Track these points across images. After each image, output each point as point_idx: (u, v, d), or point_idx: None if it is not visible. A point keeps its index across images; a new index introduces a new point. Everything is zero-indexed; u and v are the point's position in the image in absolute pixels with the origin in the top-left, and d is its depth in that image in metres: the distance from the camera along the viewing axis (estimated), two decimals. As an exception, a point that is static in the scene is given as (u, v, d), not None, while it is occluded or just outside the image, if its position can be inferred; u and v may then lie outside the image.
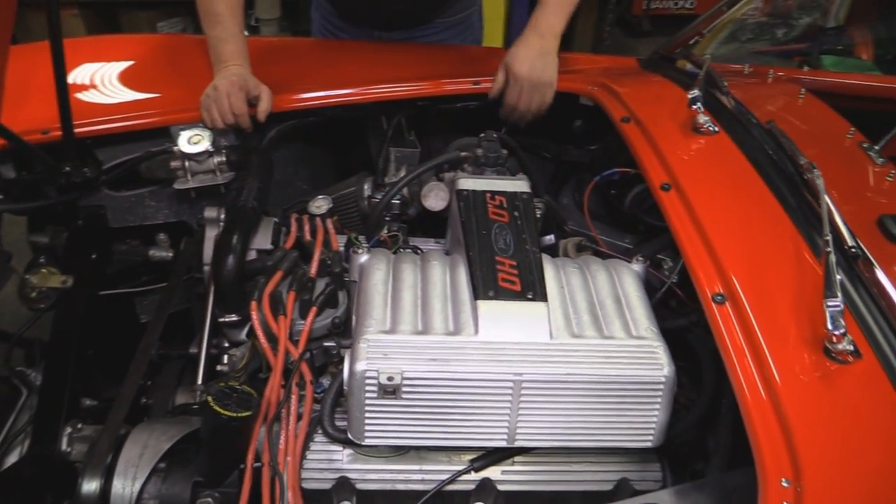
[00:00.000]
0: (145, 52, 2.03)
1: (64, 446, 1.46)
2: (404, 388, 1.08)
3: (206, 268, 1.57)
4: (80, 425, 1.49)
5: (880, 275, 1.09)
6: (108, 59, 1.98)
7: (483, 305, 1.16)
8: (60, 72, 1.57)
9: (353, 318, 1.21)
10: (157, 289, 1.90)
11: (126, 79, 1.89)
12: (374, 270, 1.25)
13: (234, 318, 1.44)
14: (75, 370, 1.57)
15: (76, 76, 1.90)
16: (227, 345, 1.52)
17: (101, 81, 1.89)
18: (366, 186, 1.76)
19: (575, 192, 1.97)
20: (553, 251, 1.53)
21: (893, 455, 0.91)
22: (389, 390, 1.07)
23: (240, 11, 1.79)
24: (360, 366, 1.08)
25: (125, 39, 2.23)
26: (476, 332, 1.14)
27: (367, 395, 1.08)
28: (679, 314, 1.37)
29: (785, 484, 0.86)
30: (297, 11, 4.37)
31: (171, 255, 1.82)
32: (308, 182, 2.12)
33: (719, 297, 1.08)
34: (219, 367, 1.48)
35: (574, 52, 2.23)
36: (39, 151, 1.62)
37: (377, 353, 1.09)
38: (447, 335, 1.13)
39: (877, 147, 1.38)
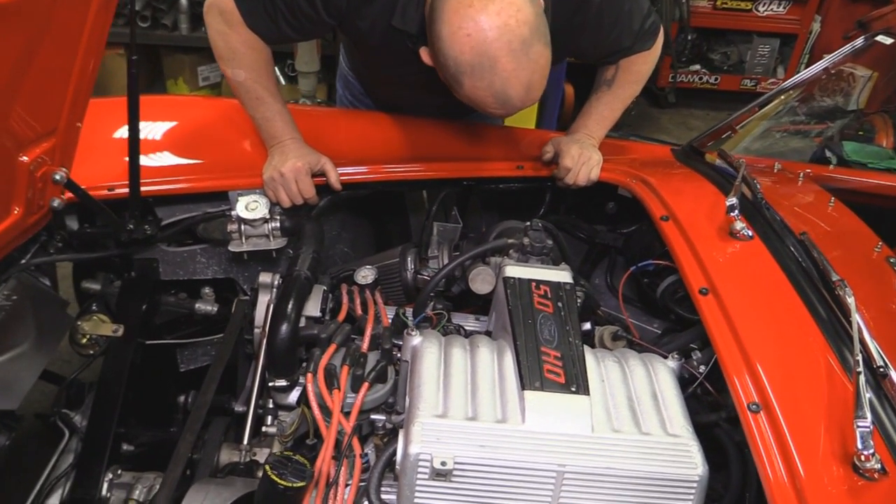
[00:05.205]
0: (204, 114, 2.12)
1: (104, 492, 1.54)
2: (454, 473, 1.15)
3: (257, 331, 1.65)
4: (119, 471, 1.56)
5: (906, 394, 1.16)
6: (167, 120, 2.07)
7: (530, 396, 1.23)
8: (134, 134, 1.67)
9: (406, 398, 1.28)
10: (199, 341, 1.99)
11: (185, 142, 1.98)
12: (427, 353, 1.33)
13: (283, 383, 1.52)
14: (119, 417, 1.65)
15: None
16: (271, 406, 1.59)
17: (162, 142, 1.99)
18: (409, 259, 1.85)
19: (607, 273, 2.06)
20: (589, 338, 1.61)
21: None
22: (441, 474, 1.14)
23: (277, 89, 1.84)
24: (415, 448, 1.15)
25: (184, 101, 2.34)
26: (523, 421, 1.21)
27: (419, 476, 1.15)
28: (710, 410, 1.43)
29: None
30: (335, 65, 4.52)
31: (215, 309, 1.90)
32: (349, 246, 2.22)
33: (754, 406, 1.15)
34: (264, 429, 1.55)
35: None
36: (107, 209, 1.72)
37: (431, 437, 1.16)
38: (496, 423, 1.21)
39: (904, 263, 1.47)
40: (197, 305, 1.90)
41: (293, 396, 1.57)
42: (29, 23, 1.24)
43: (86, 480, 1.55)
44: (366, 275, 1.80)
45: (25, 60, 1.28)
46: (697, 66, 5.23)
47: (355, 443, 1.32)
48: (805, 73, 2.05)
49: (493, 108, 1.51)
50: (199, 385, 1.62)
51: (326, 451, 1.30)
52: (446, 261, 1.86)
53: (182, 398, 1.91)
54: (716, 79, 5.25)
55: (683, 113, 5.37)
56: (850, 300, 1.22)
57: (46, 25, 1.28)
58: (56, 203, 1.59)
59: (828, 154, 3.28)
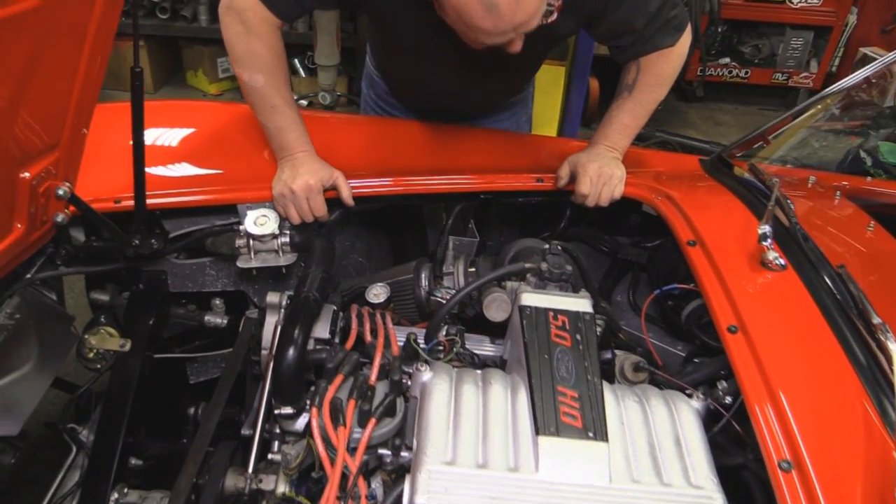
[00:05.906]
0: (213, 121, 2.05)
1: (110, 510, 1.50)
2: (462, 526, 1.08)
3: (264, 352, 1.60)
4: (126, 490, 1.53)
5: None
6: (175, 126, 2.01)
7: (544, 442, 1.16)
8: (139, 147, 1.62)
9: (414, 440, 1.22)
10: (208, 356, 1.95)
11: (195, 150, 1.92)
12: (437, 392, 1.26)
13: (289, 410, 1.46)
14: (126, 433, 1.61)
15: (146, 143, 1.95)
16: (278, 431, 1.54)
17: (170, 151, 1.93)
18: (423, 276, 1.78)
19: (629, 290, 1.97)
20: (609, 368, 1.53)
21: None
22: (448, 529, 1.07)
23: (292, 98, 1.78)
24: (420, 499, 1.09)
25: (193, 106, 2.27)
26: (536, 469, 1.14)
27: (426, 529, 1.09)
28: (736, 443, 1.35)
29: None
30: (356, 58, 4.45)
31: (224, 321, 1.86)
32: (364, 255, 2.16)
33: (786, 465, 1.07)
34: (270, 456, 1.50)
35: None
36: (112, 224, 1.67)
37: (438, 488, 1.10)
38: (507, 471, 1.14)
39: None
40: (206, 318, 1.86)
41: (300, 424, 1.51)
42: (32, 32, 1.18)
43: (92, 499, 1.52)
44: (378, 293, 1.74)
45: (28, 73, 1.22)
46: (727, 60, 5.07)
47: (361, 483, 1.26)
48: (843, 83, 1.93)
49: (480, 20, 1.37)
50: (210, 396, 1.57)
51: (331, 490, 1.24)
52: (461, 277, 1.79)
53: (192, 410, 1.87)
54: (746, 72, 5.09)
55: (712, 107, 5.23)
56: (892, 346, 1.13)
57: (50, 33, 1.22)
58: (60, 218, 1.55)
59: (862, 155, 3.16)
